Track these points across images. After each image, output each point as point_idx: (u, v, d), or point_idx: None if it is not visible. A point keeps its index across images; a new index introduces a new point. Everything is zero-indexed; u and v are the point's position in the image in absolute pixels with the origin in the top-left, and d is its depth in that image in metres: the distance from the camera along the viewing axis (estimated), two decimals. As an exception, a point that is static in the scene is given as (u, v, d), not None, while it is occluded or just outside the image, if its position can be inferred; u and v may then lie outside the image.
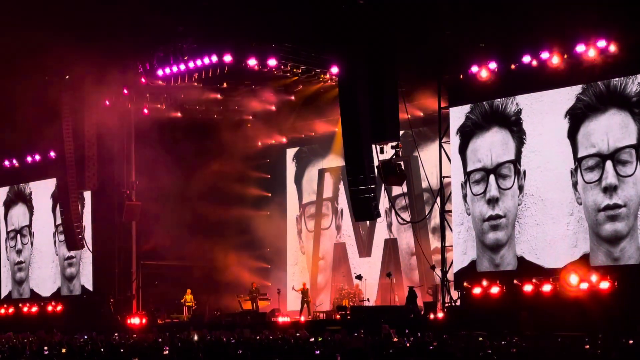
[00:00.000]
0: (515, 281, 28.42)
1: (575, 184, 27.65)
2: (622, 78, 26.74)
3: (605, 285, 26.45)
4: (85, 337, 29.12)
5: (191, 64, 33.20)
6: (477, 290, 29.19)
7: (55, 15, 30.72)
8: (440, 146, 31.19)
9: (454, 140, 30.56)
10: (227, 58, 32.27)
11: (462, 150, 30.31)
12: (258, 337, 26.20)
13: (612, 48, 26.87)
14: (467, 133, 30.20)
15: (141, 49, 33.01)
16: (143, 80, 35.12)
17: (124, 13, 29.96)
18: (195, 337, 26.41)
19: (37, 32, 31.35)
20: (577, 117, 27.68)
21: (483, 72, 29.79)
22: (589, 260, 27.25)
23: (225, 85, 36.36)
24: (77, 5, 30.06)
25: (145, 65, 34.38)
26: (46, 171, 40.94)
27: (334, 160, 38.25)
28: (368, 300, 34.54)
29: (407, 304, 31.07)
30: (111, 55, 32.69)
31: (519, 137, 28.96)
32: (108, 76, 34.16)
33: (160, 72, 34.07)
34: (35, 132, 38.68)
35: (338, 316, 32.45)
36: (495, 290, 28.80)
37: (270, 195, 41.05)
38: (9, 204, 43.92)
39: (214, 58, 32.52)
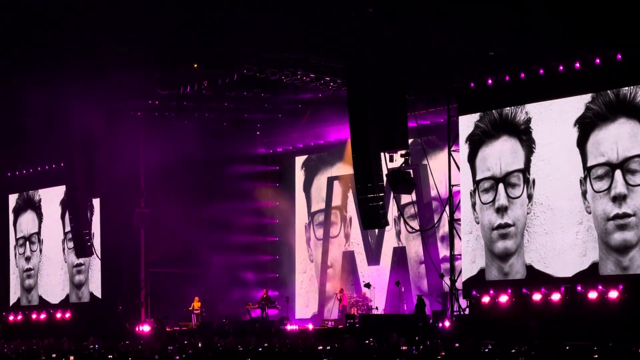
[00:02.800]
0: (524, 290, 28.38)
1: (584, 193, 27.63)
2: (632, 87, 26.74)
3: (614, 294, 26.42)
4: (96, 345, 29.12)
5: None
6: (485, 299, 29.18)
7: (63, 23, 30.76)
8: (450, 154, 31.19)
9: (463, 148, 30.56)
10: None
11: (471, 158, 30.31)
12: (266, 345, 26.18)
13: (622, 57, 26.85)
14: (476, 141, 30.20)
15: (151, 57, 33.02)
16: (153, 87, 35.21)
17: (132, 20, 30.00)
18: None
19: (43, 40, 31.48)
20: (587, 126, 27.67)
21: (492, 80, 29.80)
22: (598, 269, 27.22)
23: (234, 93, 36.40)
24: (85, 12, 30.09)
25: (154, 73, 34.45)
26: (55, 178, 41.01)
27: (343, 169, 38.25)
28: (377, 308, 34.53)
29: (415, 312, 31.06)
30: (121, 63, 32.71)
31: (529, 145, 28.95)
32: (118, 84, 34.20)
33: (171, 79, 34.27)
34: (45, 139, 38.75)
35: (346, 324, 32.43)
36: (504, 299, 28.77)
37: (278, 203, 41.07)
38: (18, 211, 44.00)
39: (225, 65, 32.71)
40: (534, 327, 26.49)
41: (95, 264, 39.69)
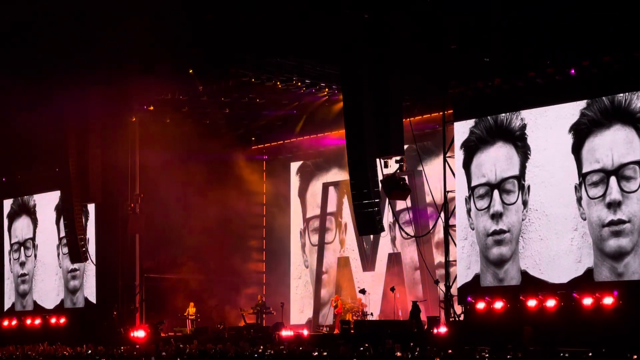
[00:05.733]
0: (519, 296, 28.36)
1: (579, 200, 27.63)
2: (627, 94, 26.74)
3: (609, 300, 26.42)
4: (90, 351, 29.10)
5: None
6: (480, 305, 29.15)
7: (59, 27, 30.77)
8: (445, 161, 31.19)
9: (458, 154, 30.56)
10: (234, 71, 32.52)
11: (466, 164, 30.31)
12: (261, 350, 26.18)
13: (617, 63, 26.88)
14: (472, 148, 30.20)
15: (146, 62, 33.01)
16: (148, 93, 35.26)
17: (128, 25, 30.03)
18: None
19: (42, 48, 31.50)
20: (582, 132, 27.67)
21: (487, 86, 29.82)
22: (593, 276, 27.23)
23: (230, 99, 36.40)
24: (80, 16, 30.11)
25: (149, 78, 34.42)
26: (50, 183, 40.96)
27: (338, 174, 38.26)
28: (371, 314, 34.51)
29: (410, 318, 31.05)
30: (116, 69, 32.73)
31: (524, 152, 28.96)
32: (112, 89, 34.20)
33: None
34: (40, 144, 38.73)
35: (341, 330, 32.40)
36: (499, 305, 28.74)
37: (273, 209, 41.07)
38: (13, 216, 43.95)
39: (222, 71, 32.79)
40: (529, 333, 26.49)
41: (90, 270, 39.65)
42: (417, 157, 33.45)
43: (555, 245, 28.15)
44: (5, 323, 42.66)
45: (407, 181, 30.43)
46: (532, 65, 28.59)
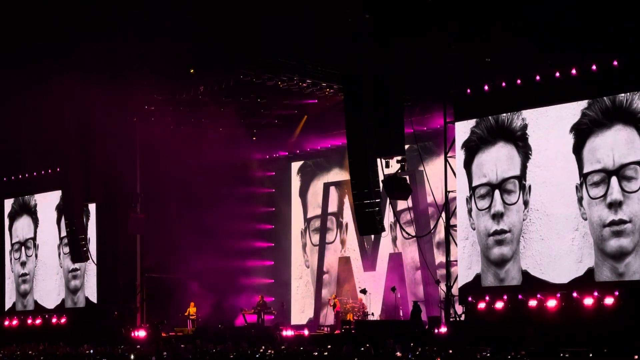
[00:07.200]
0: (520, 296, 28.35)
1: (580, 200, 27.62)
2: (628, 94, 26.73)
3: (609, 300, 26.42)
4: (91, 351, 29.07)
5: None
6: (481, 305, 29.16)
7: (60, 30, 30.78)
8: (446, 161, 31.19)
9: (459, 154, 30.56)
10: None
11: (468, 164, 30.31)
12: (262, 350, 26.17)
13: (618, 63, 26.86)
14: (473, 148, 30.19)
15: (147, 62, 33.01)
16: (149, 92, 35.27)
17: (128, 25, 30.03)
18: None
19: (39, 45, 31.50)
20: (583, 132, 27.66)
21: (488, 86, 29.81)
22: (594, 276, 27.22)
23: (231, 98, 36.39)
24: (80, 16, 30.12)
25: (150, 78, 34.43)
26: (51, 183, 40.97)
27: (339, 174, 38.27)
28: (372, 314, 34.52)
29: (411, 318, 31.06)
30: (118, 69, 32.72)
31: (525, 152, 28.96)
32: (113, 89, 34.19)
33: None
34: (41, 143, 38.72)
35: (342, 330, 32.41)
36: (499, 305, 28.75)
37: (274, 209, 41.09)
38: (13, 216, 43.95)
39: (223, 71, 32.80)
40: (529, 333, 26.48)
41: (90, 269, 39.66)
42: (418, 157, 33.45)
43: (556, 245, 28.15)
44: (6, 323, 42.67)
45: (408, 181, 30.43)
46: (533, 65, 28.58)
